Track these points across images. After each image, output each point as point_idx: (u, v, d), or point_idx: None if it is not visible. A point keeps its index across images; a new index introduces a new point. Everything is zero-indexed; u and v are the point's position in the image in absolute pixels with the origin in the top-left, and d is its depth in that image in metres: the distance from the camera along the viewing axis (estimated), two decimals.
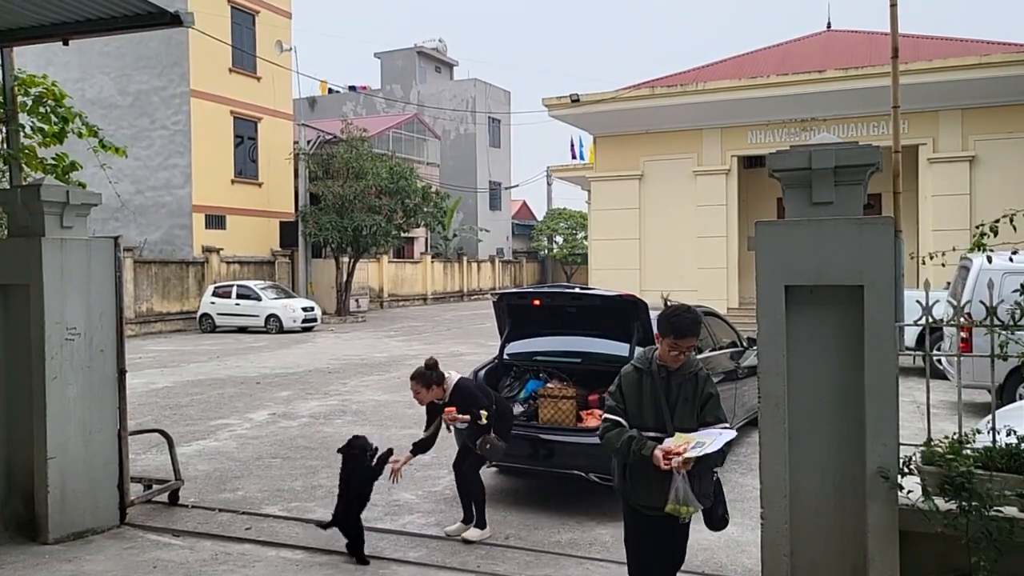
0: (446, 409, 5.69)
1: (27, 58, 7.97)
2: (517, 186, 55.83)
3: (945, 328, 10.46)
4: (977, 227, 4.36)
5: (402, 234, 31.99)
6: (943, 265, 5.04)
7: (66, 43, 6.36)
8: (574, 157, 38.77)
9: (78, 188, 6.37)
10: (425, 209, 30.89)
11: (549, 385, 6.92)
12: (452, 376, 5.80)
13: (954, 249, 5.23)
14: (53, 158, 7.01)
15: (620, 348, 6.94)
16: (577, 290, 7.27)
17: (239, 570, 5.25)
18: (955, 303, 4.31)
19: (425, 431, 5.92)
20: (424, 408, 5.96)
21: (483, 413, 5.69)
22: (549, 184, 55.39)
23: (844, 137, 18.62)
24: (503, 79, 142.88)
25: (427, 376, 5.65)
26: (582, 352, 7.36)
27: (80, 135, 7.08)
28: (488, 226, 50.28)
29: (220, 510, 6.60)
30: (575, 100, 23.46)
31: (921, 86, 18.90)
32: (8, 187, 6.62)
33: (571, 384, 6.93)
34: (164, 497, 6.69)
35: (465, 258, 46.13)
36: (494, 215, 52.11)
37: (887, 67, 5.93)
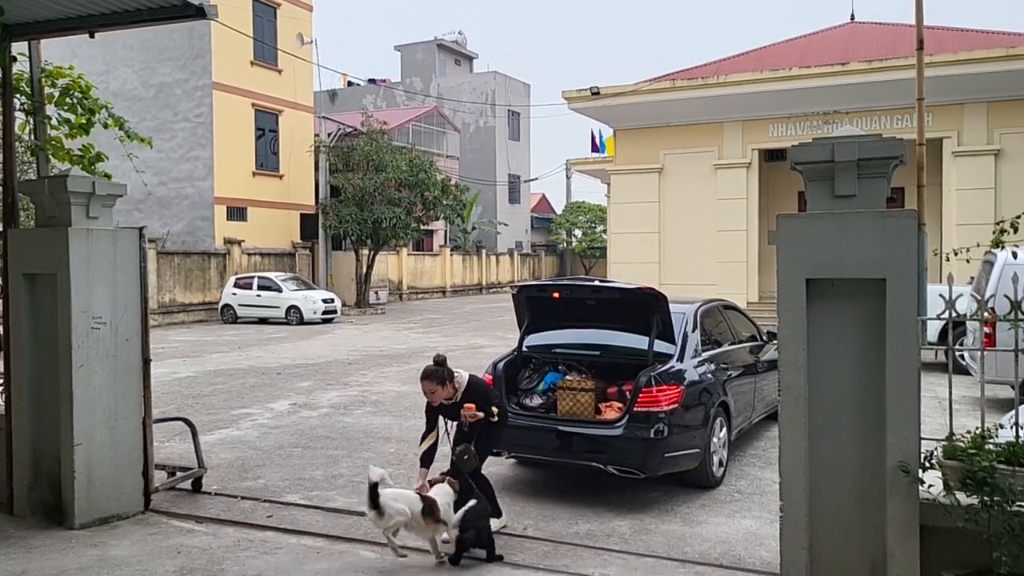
0: (465, 406, 5.61)
1: (53, 51, 8.07)
2: (536, 179, 55.76)
3: (968, 323, 10.37)
4: (998, 223, 4.32)
5: (421, 227, 32.03)
6: (967, 261, 4.99)
7: (92, 35, 6.43)
8: (594, 150, 38.62)
9: (104, 179, 6.45)
10: (444, 202, 30.93)
11: (568, 377, 6.93)
12: (462, 374, 5.74)
13: (978, 245, 5.18)
14: (79, 149, 7.10)
15: (639, 341, 6.94)
16: (596, 283, 7.27)
17: (261, 556, 5.32)
18: (979, 297, 4.28)
19: (424, 440, 5.71)
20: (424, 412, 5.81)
21: (494, 409, 5.67)
22: (568, 177, 55.27)
23: (868, 130, 18.47)
24: (523, 72, 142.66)
25: (440, 373, 5.56)
26: (601, 345, 7.37)
27: (105, 126, 7.17)
28: (507, 219, 50.28)
29: (242, 498, 6.68)
30: (595, 93, 23.39)
31: (946, 79, 18.67)
32: (36, 178, 6.72)
33: (590, 376, 6.93)
34: (187, 484, 6.78)
35: (484, 251, 46.18)
36: (513, 208, 52.09)
37: (912, 59, 5.89)
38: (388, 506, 5.05)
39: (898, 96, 19.11)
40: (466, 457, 5.51)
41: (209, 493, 6.78)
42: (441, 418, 5.76)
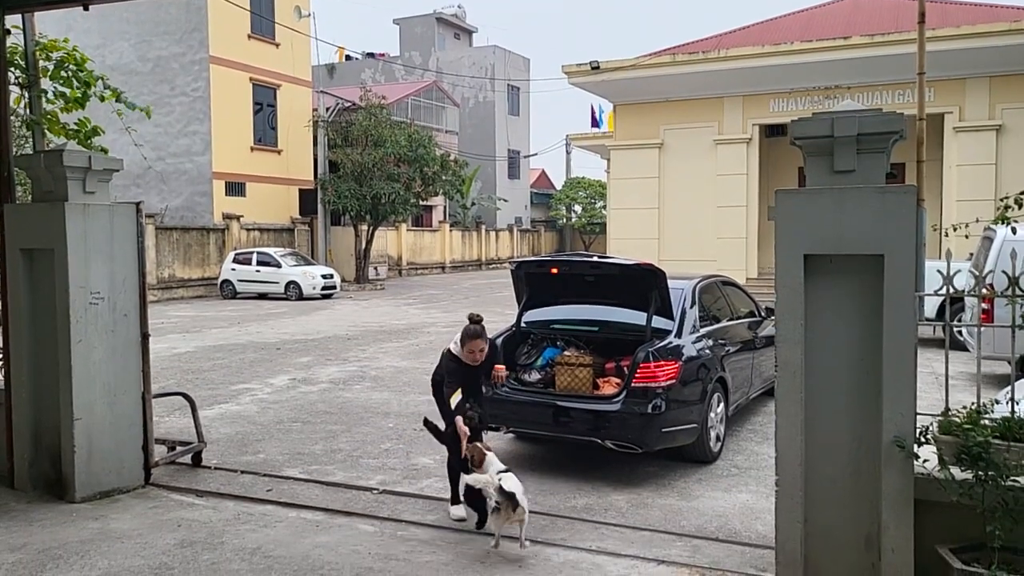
0: (496, 367, 5.67)
1: (48, 25, 8.00)
2: (536, 155, 55.51)
3: (966, 298, 10.39)
4: (1002, 199, 4.31)
5: (420, 202, 31.95)
6: (966, 236, 4.98)
7: (86, 8, 6.38)
8: (594, 125, 38.41)
9: (100, 153, 6.41)
10: (444, 177, 30.79)
11: (566, 353, 6.95)
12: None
13: (977, 220, 5.17)
14: (75, 123, 7.05)
15: (638, 317, 6.95)
16: (595, 259, 7.26)
17: (261, 530, 5.36)
18: (977, 273, 4.27)
19: (452, 396, 5.45)
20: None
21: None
22: (568, 153, 55.01)
23: (868, 105, 18.38)
24: (523, 45, 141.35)
25: (486, 331, 5.52)
26: (599, 320, 7.37)
27: (102, 99, 7.11)
28: (506, 195, 50.12)
29: (242, 472, 6.72)
30: (595, 67, 23.24)
31: (948, 53, 18.55)
32: (31, 152, 6.68)
33: (588, 352, 6.94)
34: (187, 459, 6.82)
35: (483, 227, 46.08)
36: (512, 184, 51.90)
37: (914, 33, 5.84)
38: (523, 499, 4.83)
39: (899, 70, 19.00)
40: (475, 414, 5.54)
41: (209, 467, 6.82)
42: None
